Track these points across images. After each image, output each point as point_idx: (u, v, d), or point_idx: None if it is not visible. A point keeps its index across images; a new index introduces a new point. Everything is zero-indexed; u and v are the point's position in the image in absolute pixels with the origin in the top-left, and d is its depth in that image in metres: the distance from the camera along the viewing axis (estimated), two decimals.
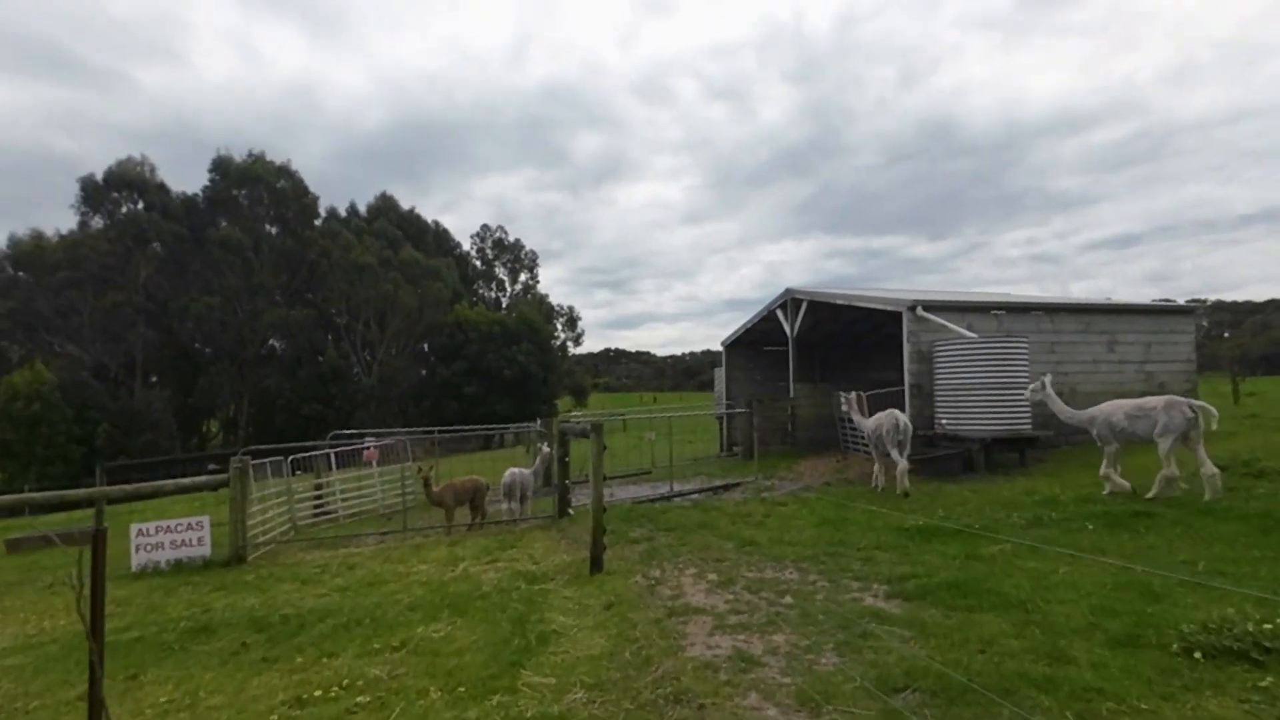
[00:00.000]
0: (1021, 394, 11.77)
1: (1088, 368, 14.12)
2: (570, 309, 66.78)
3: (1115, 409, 8.78)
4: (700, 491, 12.73)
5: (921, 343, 13.15)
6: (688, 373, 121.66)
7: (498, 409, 45.48)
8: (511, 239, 67.13)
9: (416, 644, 5.00)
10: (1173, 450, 8.06)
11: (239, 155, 47.70)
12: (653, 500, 11.90)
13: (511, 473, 10.53)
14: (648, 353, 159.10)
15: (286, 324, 46.28)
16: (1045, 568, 5.72)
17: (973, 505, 8.68)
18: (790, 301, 18.06)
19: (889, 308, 14.24)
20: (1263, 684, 3.41)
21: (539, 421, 13.28)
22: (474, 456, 24.08)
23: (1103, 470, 8.80)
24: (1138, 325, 14.71)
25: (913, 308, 13.19)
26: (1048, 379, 9.92)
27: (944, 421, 12.46)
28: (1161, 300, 17.90)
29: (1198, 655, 3.74)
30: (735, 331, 21.53)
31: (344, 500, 12.59)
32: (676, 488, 12.88)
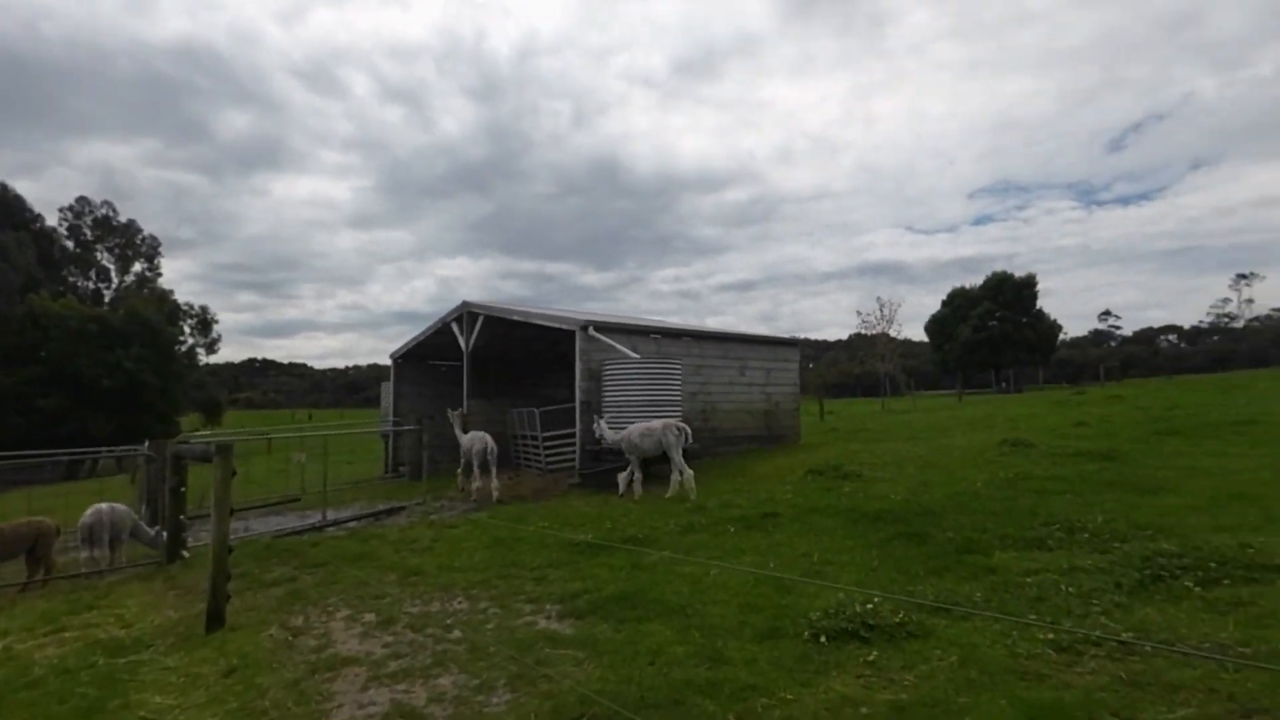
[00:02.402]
0: (677, 410, 12.97)
1: (725, 388, 16.27)
2: (204, 309, 56.02)
3: (634, 431, 10.91)
4: (360, 518, 11.45)
5: (592, 361, 13.75)
6: (351, 388, 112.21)
7: (91, 428, 36.09)
8: (123, 219, 54.32)
9: None
10: (680, 458, 10.43)
11: None
12: (300, 532, 10.31)
13: (96, 510, 8.12)
14: (303, 364, 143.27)
15: None
16: (699, 571, 6.16)
17: (635, 516, 9.17)
18: (466, 315, 17.57)
19: (563, 326, 14.66)
20: (870, 658, 3.96)
21: (148, 444, 10.59)
22: (50, 490, 18.59)
23: (622, 475, 10.99)
24: (761, 354, 17.46)
25: (585, 327, 13.75)
26: (604, 419, 11.98)
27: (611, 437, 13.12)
28: (773, 335, 21.53)
29: (823, 639, 4.24)
30: (406, 344, 20.24)
31: None
32: (331, 515, 11.39)
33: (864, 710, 3.35)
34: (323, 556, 7.94)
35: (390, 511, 11.91)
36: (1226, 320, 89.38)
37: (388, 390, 21.09)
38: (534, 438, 15.96)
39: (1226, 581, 4.50)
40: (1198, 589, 4.46)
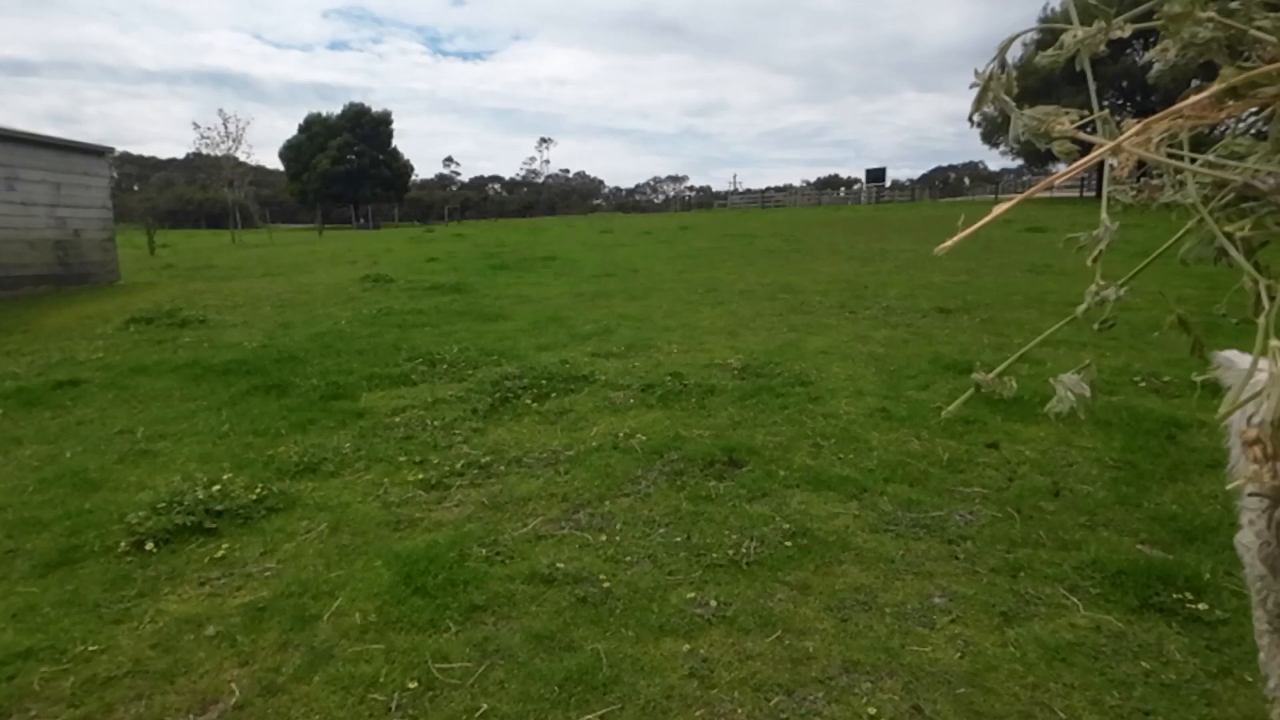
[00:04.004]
0: None
1: None
2: None
3: None
4: None
5: None
6: None
7: None
8: None
9: None
10: None
11: None
12: None
13: None
14: None
15: None
16: None
17: None
18: None
19: None
20: (219, 554, 3.15)
21: None
22: None
23: None
24: (45, 162, 12.63)
25: None
26: None
27: None
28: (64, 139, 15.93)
29: (150, 546, 3.18)
30: None
31: None
32: None
33: (210, 630, 2.59)
34: None
35: None
36: (533, 175, 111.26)
37: None
38: None
39: (554, 395, 5.29)
40: (534, 404, 5.10)
